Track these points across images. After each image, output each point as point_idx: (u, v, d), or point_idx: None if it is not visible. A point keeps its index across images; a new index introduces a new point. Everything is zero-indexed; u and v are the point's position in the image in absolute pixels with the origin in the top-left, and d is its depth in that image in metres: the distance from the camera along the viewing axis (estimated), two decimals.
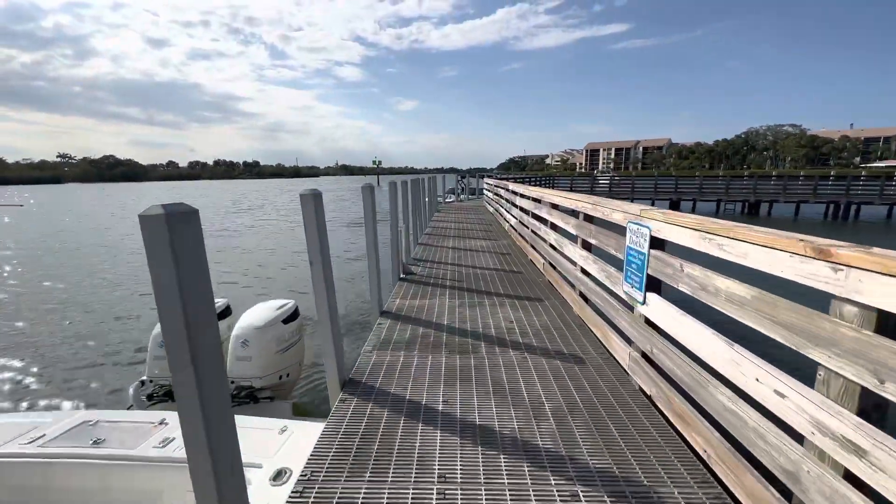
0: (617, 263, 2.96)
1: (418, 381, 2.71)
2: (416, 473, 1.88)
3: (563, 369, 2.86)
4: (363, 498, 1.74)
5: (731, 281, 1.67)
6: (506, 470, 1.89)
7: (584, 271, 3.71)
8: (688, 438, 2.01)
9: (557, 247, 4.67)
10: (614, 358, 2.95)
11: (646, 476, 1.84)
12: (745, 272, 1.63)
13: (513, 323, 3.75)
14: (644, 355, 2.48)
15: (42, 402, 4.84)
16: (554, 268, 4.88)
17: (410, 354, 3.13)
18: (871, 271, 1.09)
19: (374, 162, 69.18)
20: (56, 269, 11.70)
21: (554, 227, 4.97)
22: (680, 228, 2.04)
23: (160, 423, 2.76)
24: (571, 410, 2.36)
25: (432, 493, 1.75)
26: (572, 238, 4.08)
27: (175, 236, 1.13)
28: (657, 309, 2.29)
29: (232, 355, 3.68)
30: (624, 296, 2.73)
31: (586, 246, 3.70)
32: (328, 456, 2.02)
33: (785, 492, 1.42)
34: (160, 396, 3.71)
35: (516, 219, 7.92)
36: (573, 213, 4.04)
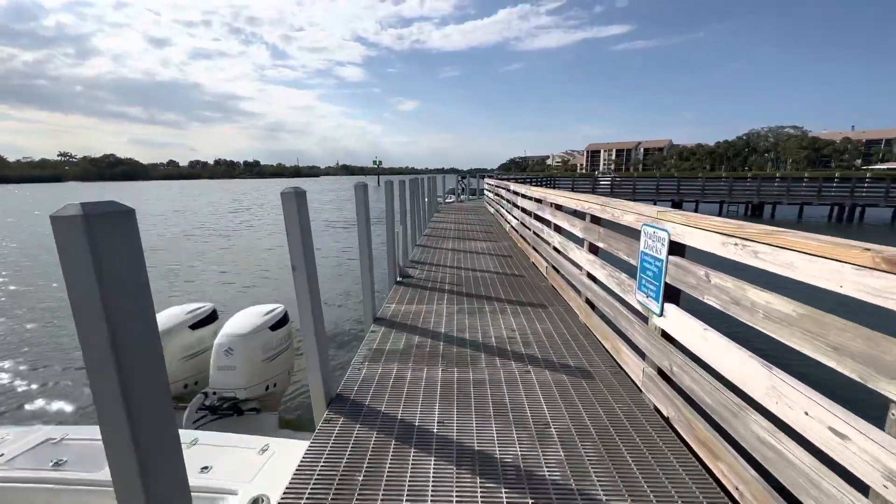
0: (628, 269, 2.73)
1: (412, 398, 2.48)
2: None
3: (569, 384, 2.63)
4: None
5: (771, 295, 1.43)
6: None
7: (590, 276, 3.48)
8: (714, 471, 1.78)
9: (562, 250, 4.44)
10: (625, 372, 2.72)
11: None
12: (780, 283, 1.40)
13: (515, 332, 3.51)
14: (660, 372, 2.24)
15: (23, 411, 4.61)
16: (557, 271, 4.65)
17: (404, 367, 2.90)
18: None
19: (374, 162, 68.99)
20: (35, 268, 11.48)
21: (558, 229, 4.74)
22: (704, 233, 1.81)
23: None
24: (580, 433, 2.13)
25: None
26: (578, 241, 3.85)
27: (98, 242, 0.90)
28: (676, 322, 2.06)
29: (214, 365, 3.45)
30: (637, 305, 2.50)
31: (593, 249, 3.47)
32: (309, 484, 1.79)
33: None
34: None
35: (518, 220, 7.69)
36: (579, 215, 3.81)
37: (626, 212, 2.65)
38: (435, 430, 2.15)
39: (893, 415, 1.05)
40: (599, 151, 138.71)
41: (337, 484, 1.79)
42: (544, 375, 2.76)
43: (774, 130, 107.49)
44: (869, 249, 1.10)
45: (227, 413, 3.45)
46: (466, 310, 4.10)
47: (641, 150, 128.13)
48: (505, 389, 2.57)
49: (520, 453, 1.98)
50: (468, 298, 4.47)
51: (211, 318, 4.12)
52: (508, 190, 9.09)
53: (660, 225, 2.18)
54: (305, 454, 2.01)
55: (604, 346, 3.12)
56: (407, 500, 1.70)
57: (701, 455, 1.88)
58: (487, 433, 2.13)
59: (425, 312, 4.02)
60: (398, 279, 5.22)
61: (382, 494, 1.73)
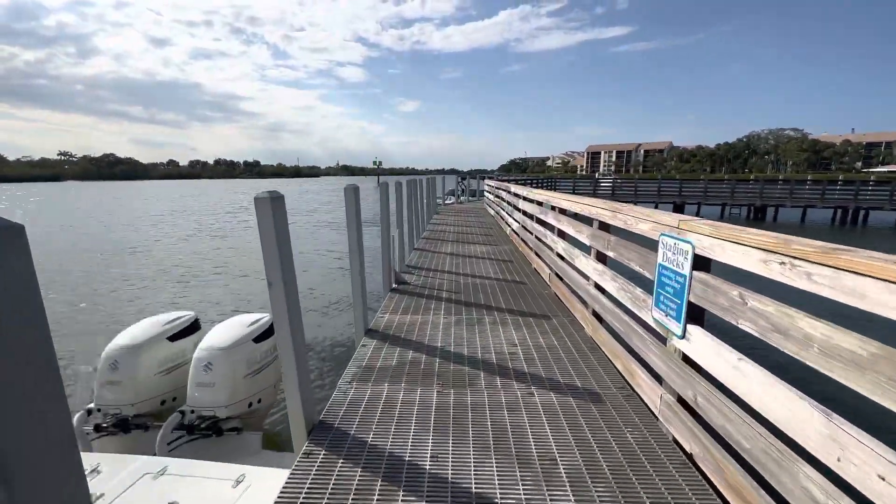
0: (642, 283, 2.49)
1: (403, 426, 2.23)
2: None
3: (577, 410, 2.38)
4: None
5: (831, 327, 1.19)
6: None
7: (598, 287, 3.23)
8: None
9: (566, 257, 4.19)
10: (639, 396, 2.47)
11: None
12: (835, 309, 1.16)
13: (516, 346, 3.27)
14: (681, 401, 2.00)
15: None
16: (561, 279, 4.41)
17: (396, 387, 2.65)
18: None
19: (374, 163, 68.82)
20: None
21: (562, 234, 4.49)
22: (740, 247, 1.56)
23: (89, 472, 2.28)
24: (591, 472, 1.88)
25: None
26: (584, 248, 3.60)
27: None
28: (702, 346, 1.81)
29: (192, 381, 3.20)
30: (653, 323, 2.25)
31: (601, 258, 3.22)
32: None
33: None
34: (110, 429, 3.23)
35: (519, 223, 7.44)
36: (586, 221, 3.56)
37: (641, 219, 2.41)
38: (428, 468, 1.90)
39: None
40: (600, 153, 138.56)
41: None
42: (549, 398, 2.51)
43: (775, 132, 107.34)
44: None
45: (206, 433, 3.20)
46: (465, 320, 3.86)
47: (642, 151, 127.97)
48: (506, 415, 2.32)
49: (524, 497, 1.73)
50: (467, 308, 4.22)
51: (192, 328, 3.86)
52: (509, 192, 8.85)
53: (682, 236, 1.94)
54: (282, 493, 1.76)
55: (613, 365, 2.87)
56: None
57: (732, 502, 1.63)
58: (487, 471, 1.88)
59: (421, 323, 3.77)
60: (393, 286, 4.97)
61: None
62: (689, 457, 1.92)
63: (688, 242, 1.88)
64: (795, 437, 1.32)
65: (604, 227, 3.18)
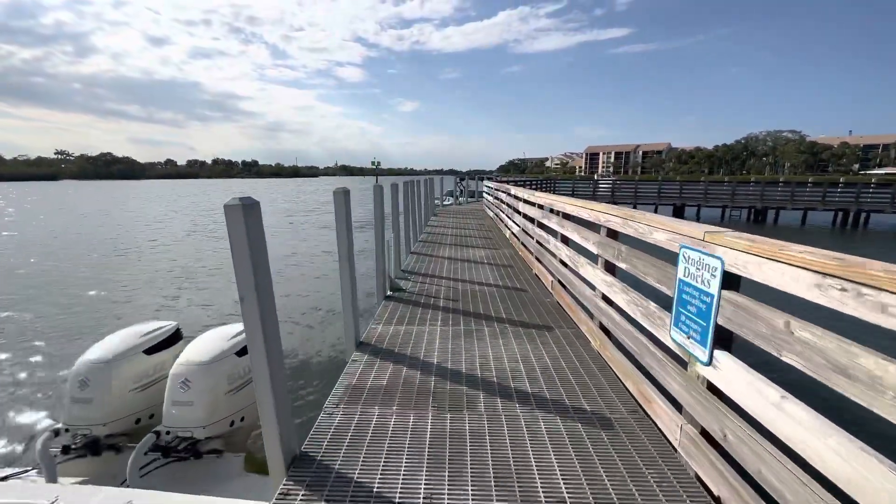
0: (658, 297, 2.27)
1: (394, 458, 2.00)
2: None
3: (586, 438, 2.16)
4: None
5: None
6: None
7: (606, 299, 3.01)
8: None
9: (570, 265, 3.97)
10: (654, 423, 2.25)
11: None
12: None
13: (518, 362, 3.04)
14: (706, 434, 1.78)
15: None
16: (564, 287, 4.18)
17: (387, 410, 2.42)
18: None
19: (372, 163, 68.52)
20: None
21: (565, 240, 4.27)
22: (783, 267, 1.34)
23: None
24: None
25: None
26: (591, 257, 3.38)
27: None
28: (732, 376, 1.59)
29: (169, 399, 2.96)
30: (671, 344, 2.03)
31: (610, 268, 3.00)
32: None
33: None
34: (79, 450, 2.99)
35: (519, 227, 7.22)
36: (592, 227, 3.34)
37: (657, 228, 2.18)
38: None
39: None
40: (598, 154, 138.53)
41: None
42: (555, 424, 2.28)
43: (773, 134, 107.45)
44: None
45: (183, 456, 2.96)
46: (463, 331, 3.63)
47: (640, 152, 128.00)
48: (508, 445, 2.09)
49: None
50: (465, 317, 3.99)
51: (172, 339, 3.63)
52: (509, 194, 8.63)
53: (709, 250, 1.72)
54: None
55: (624, 386, 2.64)
56: None
57: None
58: None
59: (416, 335, 3.54)
60: (388, 293, 4.74)
61: None
62: (717, 500, 1.70)
63: (716, 258, 1.65)
64: (857, 497, 1.10)
65: (612, 234, 2.96)
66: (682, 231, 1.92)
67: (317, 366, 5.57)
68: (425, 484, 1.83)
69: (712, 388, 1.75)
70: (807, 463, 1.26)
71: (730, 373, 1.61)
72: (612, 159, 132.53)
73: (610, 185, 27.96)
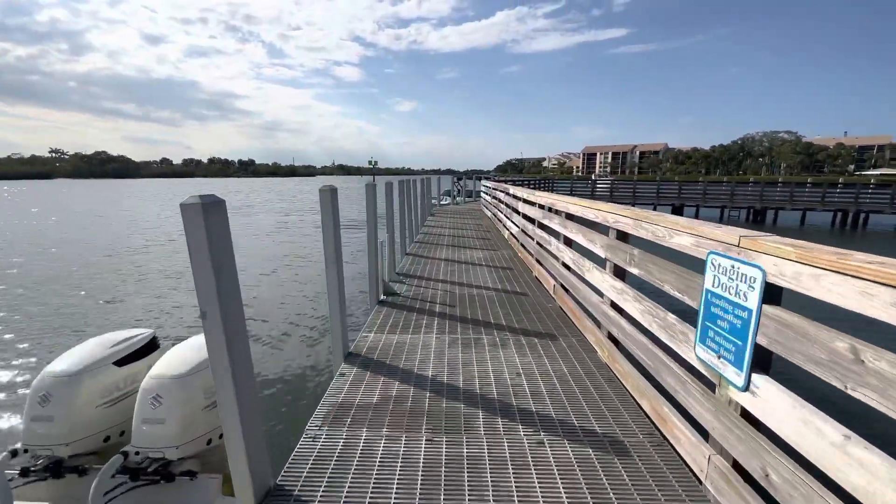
0: (677, 306, 2.04)
1: (382, 492, 1.76)
2: None
3: (598, 466, 1.92)
4: None
5: None
6: None
7: (615, 307, 2.78)
8: None
9: (574, 268, 3.74)
10: (674, 449, 2.01)
11: None
12: None
13: (520, 375, 2.80)
14: (739, 468, 1.54)
15: None
16: (567, 292, 3.95)
17: (376, 433, 2.17)
18: None
19: (369, 162, 68.22)
20: None
21: (568, 242, 4.04)
22: (846, 279, 1.11)
23: None
24: None
25: None
26: (598, 260, 3.15)
27: None
28: (777, 407, 1.36)
29: (138, 416, 2.71)
30: (696, 362, 1.80)
31: (619, 273, 2.77)
32: None
33: None
34: (39, 472, 2.73)
35: (518, 227, 6.99)
36: (600, 229, 3.11)
37: (680, 231, 1.95)
38: None
39: None
40: (595, 154, 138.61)
41: None
42: (563, 448, 2.05)
43: (769, 135, 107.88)
44: None
45: (153, 479, 2.70)
46: (461, 340, 3.39)
47: (637, 153, 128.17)
48: (511, 476, 1.85)
49: None
50: (463, 324, 3.75)
51: (148, 348, 3.36)
52: (507, 193, 8.40)
53: (746, 258, 1.48)
54: None
55: (638, 404, 2.41)
56: None
57: None
58: None
59: (410, 345, 3.30)
60: (381, 298, 4.50)
61: None
62: None
63: (756, 267, 1.42)
64: None
65: (623, 236, 2.73)
66: (712, 235, 1.68)
67: (303, 380, 5.08)
68: None
69: (748, 416, 1.52)
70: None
71: (773, 402, 1.37)
72: (609, 159, 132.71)
73: (608, 186, 27.79)
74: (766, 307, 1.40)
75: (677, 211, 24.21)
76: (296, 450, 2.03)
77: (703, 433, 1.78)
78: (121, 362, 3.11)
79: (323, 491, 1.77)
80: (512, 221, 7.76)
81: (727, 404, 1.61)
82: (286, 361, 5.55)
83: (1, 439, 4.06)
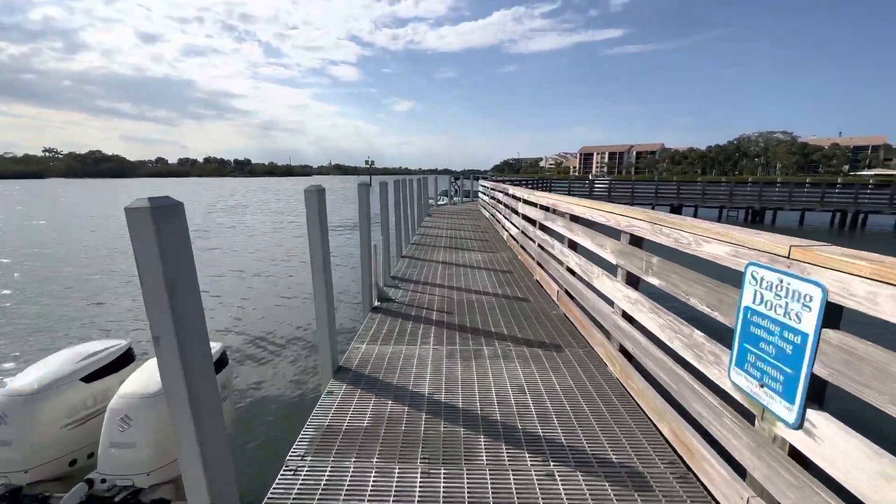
0: (700, 321, 1.81)
1: None
2: None
3: None
4: None
5: None
6: None
7: (628, 317, 2.55)
8: None
9: (580, 274, 3.51)
10: (702, 484, 1.78)
11: None
12: None
13: (525, 393, 2.57)
14: None
15: None
16: (573, 299, 3.73)
17: (366, 464, 1.93)
18: None
19: (366, 162, 67.98)
20: None
21: (573, 245, 3.81)
22: None
23: None
24: None
25: None
26: (608, 267, 2.92)
27: None
28: (840, 450, 1.13)
29: (105, 440, 2.46)
30: (730, 388, 1.57)
31: (633, 282, 2.54)
32: None
33: None
34: None
35: (518, 229, 6.76)
36: (611, 233, 2.89)
37: (711, 239, 1.72)
38: None
39: None
40: (592, 154, 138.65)
41: None
42: (576, 482, 1.82)
43: (765, 135, 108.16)
44: None
45: None
46: (459, 352, 3.16)
47: (634, 153, 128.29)
48: None
49: None
50: (462, 334, 3.52)
51: (121, 362, 3.11)
52: (507, 194, 8.17)
53: (799, 271, 1.25)
54: None
55: (656, 427, 2.18)
56: None
57: None
58: None
59: (405, 357, 3.06)
60: (375, 304, 4.26)
61: None
62: None
63: (814, 284, 1.19)
64: None
65: (637, 242, 2.50)
66: (753, 244, 1.45)
67: (287, 399, 4.58)
68: None
69: (797, 457, 1.29)
70: None
71: (836, 446, 1.15)
72: (606, 159, 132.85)
73: (606, 186, 27.63)
74: (826, 331, 1.18)
75: (676, 211, 24.07)
76: (273, 487, 1.79)
77: (740, 471, 1.55)
78: (89, 378, 2.86)
79: None
80: (511, 222, 7.53)
81: (770, 441, 1.38)
82: (270, 378, 5.03)
83: None
